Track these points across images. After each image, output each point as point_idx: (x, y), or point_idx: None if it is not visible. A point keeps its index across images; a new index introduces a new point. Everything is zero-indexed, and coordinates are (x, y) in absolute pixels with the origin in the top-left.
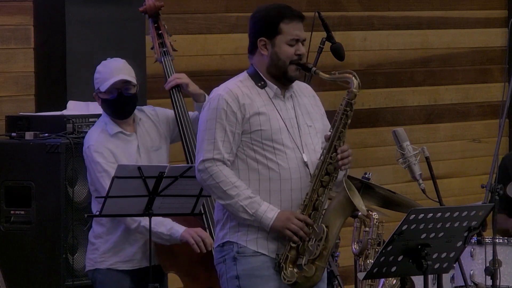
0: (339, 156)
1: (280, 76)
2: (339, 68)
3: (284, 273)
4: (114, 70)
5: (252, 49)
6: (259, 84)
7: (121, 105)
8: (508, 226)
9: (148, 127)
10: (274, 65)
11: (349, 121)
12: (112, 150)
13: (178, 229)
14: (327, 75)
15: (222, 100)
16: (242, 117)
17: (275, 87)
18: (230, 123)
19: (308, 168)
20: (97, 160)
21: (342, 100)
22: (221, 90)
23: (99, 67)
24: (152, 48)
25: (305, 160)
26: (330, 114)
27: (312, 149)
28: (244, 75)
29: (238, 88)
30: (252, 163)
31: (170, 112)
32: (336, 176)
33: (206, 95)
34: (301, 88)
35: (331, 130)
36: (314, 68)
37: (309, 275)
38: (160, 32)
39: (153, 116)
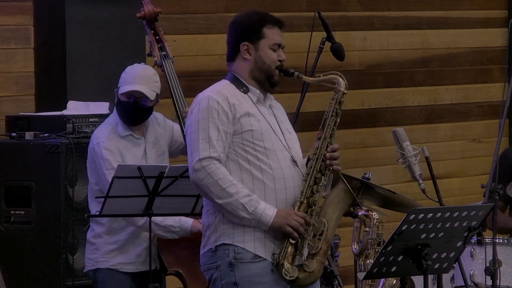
0: (328, 155)
1: (264, 81)
2: (339, 68)
3: (285, 270)
4: (139, 78)
5: (233, 55)
6: (242, 89)
7: (134, 113)
8: (507, 224)
9: (157, 132)
10: (258, 69)
11: (339, 119)
12: (120, 150)
13: (187, 220)
14: (312, 78)
15: (212, 100)
16: (233, 116)
17: (258, 91)
18: (222, 122)
19: (298, 167)
20: (106, 157)
21: (331, 99)
22: (209, 92)
23: (128, 68)
24: (148, 55)
25: (294, 160)
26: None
27: (296, 153)
28: (224, 82)
29: (225, 89)
30: (244, 164)
31: (176, 127)
32: (328, 174)
33: None
34: (273, 99)
35: (322, 129)
36: (296, 73)
37: (310, 270)
38: (158, 37)
39: (161, 122)
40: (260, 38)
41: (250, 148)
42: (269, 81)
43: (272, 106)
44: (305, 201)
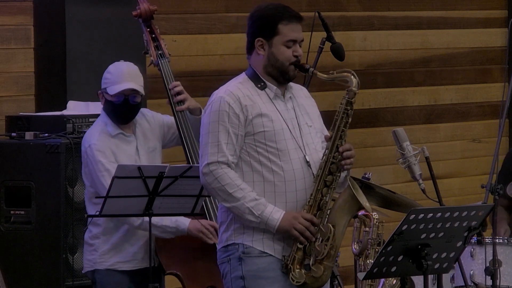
0: (344, 155)
1: (278, 76)
2: (339, 68)
3: (292, 274)
4: (126, 76)
5: (250, 48)
6: (259, 85)
7: (124, 111)
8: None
9: (145, 128)
10: (271, 65)
11: (350, 120)
12: (113, 150)
13: (184, 221)
14: (325, 75)
15: (224, 102)
16: (245, 118)
17: (275, 87)
18: (233, 125)
19: (311, 168)
20: (99, 159)
21: (342, 99)
22: (222, 92)
23: (111, 68)
24: (144, 53)
25: (308, 160)
26: (330, 114)
27: (314, 149)
28: (243, 76)
29: (239, 89)
30: (256, 165)
31: (167, 118)
32: (339, 175)
33: (202, 109)
34: (297, 89)
35: (332, 130)
36: (311, 69)
37: (317, 275)
38: (154, 36)
39: (149, 118)
40: (274, 34)
41: (262, 150)
42: (284, 77)
43: (294, 96)
44: (314, 204)
